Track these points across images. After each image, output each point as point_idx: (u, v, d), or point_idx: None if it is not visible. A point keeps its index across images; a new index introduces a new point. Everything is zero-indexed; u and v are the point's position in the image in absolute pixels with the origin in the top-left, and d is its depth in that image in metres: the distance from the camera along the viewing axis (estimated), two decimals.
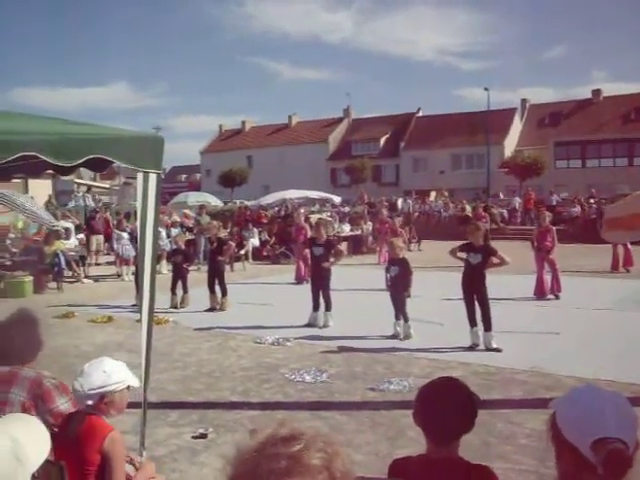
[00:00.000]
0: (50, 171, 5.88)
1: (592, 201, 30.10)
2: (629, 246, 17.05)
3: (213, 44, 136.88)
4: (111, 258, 21.57)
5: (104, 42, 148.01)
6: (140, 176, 4.44)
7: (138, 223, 4.56)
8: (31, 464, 1.33)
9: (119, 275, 18.30)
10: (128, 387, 3.28)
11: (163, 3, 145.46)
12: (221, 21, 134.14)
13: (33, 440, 1.40)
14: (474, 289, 8.92)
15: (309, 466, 1.15)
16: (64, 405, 3.51)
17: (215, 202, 28.79)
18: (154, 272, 4.71)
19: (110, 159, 4.14)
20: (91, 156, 3.96)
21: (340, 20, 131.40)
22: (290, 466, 1.14)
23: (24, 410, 3.50)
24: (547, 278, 13.19)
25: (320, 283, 11.01)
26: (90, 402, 3.13)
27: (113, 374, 3.17)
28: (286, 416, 6.38)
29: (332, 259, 11.13)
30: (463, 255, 9.13)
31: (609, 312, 11.55)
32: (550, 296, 13.05)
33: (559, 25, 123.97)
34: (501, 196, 38.41)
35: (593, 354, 8.56)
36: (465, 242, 9.23)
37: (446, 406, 2.41)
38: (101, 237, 22.26)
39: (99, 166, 4.74)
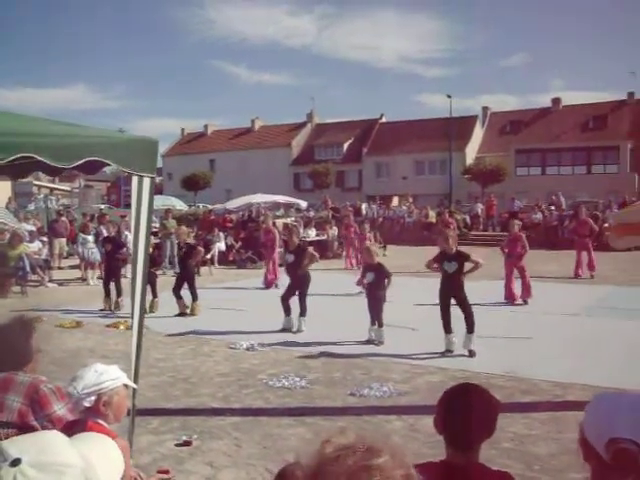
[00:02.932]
0: (36, 172, 5.81)
1: (553, 208, 30.63)
2: (592, 254, 17.43)
3: (175, 47, 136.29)
4: (73, 262, 21.24)
5: (64, 43, 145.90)
6: (135, 180, 4.39)
7: (132, 227, 4.51)
8: None
9: (84, 279, 18.00)
10: (126, 387, 3.22)
11: (124, 5, 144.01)
12: (184, 24, 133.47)
13: (106, 461, 1.37)
14: (452, 294, 8.99)
15: (396, 477, 1.16)
16: (61, 410, 3.44)
17: (181, 206, 28.56)
18: (146, 276, 4.65)
19: (107, 162, 4.09)
20: (89, 158, 3.91)
21: (302, 25, 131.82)
22: (382, 478, 1.14)
23: (21, 416, 3.42)
24: (516, 284, 13.40)
25: (297, 289, 10.98)
26: (87, 404, 3.06)
27: (105, 373, 3.10)
28: (270, 422, 6.35)
29: (306, 262, 11.08)
30: (439, 266, 9.21)
31: (577, 317, 11.76)
32: (519, 301, 13.24)
33: (519, 34, 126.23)
34: (463, 202, 38.92)
35: (566, 359, 8.70)
36: (439, 252, 9.30)
37: (467, 411, 2.42)
38: (64, 240, 21.89)
39: (91, 169, 4.68)
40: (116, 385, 3.12)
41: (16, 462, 1.20)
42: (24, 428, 3.32)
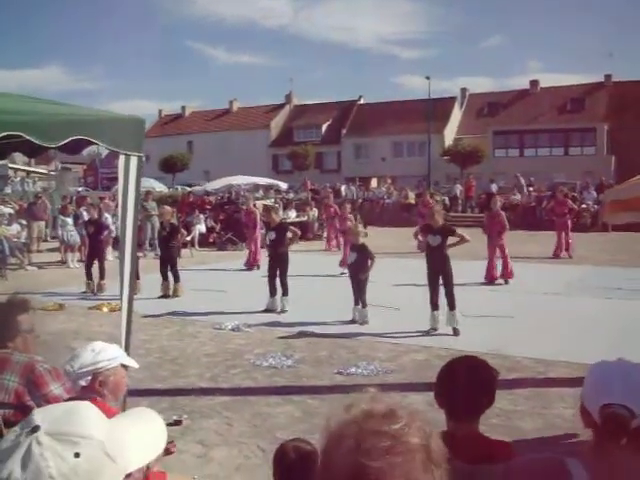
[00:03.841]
0: (11, 154, 5.74)
1: (531, 189, 30.85)
2: (570, 234, 17.66)
3: (151, 28, 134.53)
4: (52, 245, 21.05)
5: (39, 24, 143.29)
6: (121, 159, 4.37)
7: (119, 207, 4.49)
8: (128, 462, 1.28)
9: (63, 262, 17.87)
10: (125, 368, 3.20)
11: None
12: (161, 3, 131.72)
13: (143, 437, 1.36)
14: (439, 270, 9.05)
15: (409, 444, 1.14)
16: (57, 390, 3.43)
17: (160, 187, 28.36)
18: (135, 256, 4.64)
19: (94, 141, 4.06)
20: (75, 137, 3.88)
21: (278, 6, 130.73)
22: (392, 445, 1.12)
23: (17, 396, 3.41)
24: (497, 263, 13.54)
25: (277, 268, 10.99)
26: (83, 383, 3.03)
27: (102, 352, 3.05)
28: (259, 401, 6.39)
29: (289, 237, 11.15)
30: (424, 238, 9.28)
31: (557, 297, 11.92)
32: (500, 281, 13.39)
33: (496, 16, 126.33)
34: (442, 184, 39.10)
35: (548, 337, 8.82)
36: (425, 224, 9.39)
37: (466, 383, 2.47)
38: (42, 223, 21.68)
39: (75, 148, 4.64)
40: (112, 365, 3.08)
41: (35, 429, 1.19)
42: (21, 408, 3.32)
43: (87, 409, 1.29)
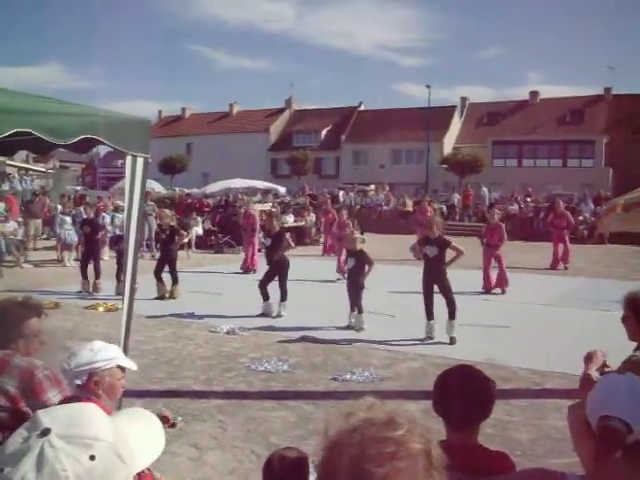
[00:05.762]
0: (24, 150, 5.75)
1: (529, 200, 30.90)
2: (568, 245, 17.70)
3: (153, 29, 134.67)
4: (49, 243, 21.02)
5: (38, 21, 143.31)
6: (128, 159, 4.37)
7: (125, 206, 4.49)
8: (137, 463, 1.29)
9: (60, 260, 17.83)
10: (123, 370, 3.18)
11: None
12: (163, 6, 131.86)
13: (143, 438, 1.35)
14: (434, 281, 9.07)
15: (412, 450, 1.15)
16: (55, 397, 3.39)
17: (159, 189, 28.34)
18: (137, 257, 4.64)
19: (102, 140, 4.06)
20: (84, 136, 3.88)
21: (281, 10, 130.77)
22: (396, 450, 1.14)
23: (12, 401, 3.35)
24: (493, 273, 13.54)
25: (276, 274, 10.98)
26: (79, 382, 3.01)
27: (100, 352, 3.02)
28: (253, 405, 6.38)
29: (281, 247, 11.15)
30: (421, 249, 9.31)
31: (552, 307, 11.94)
32: (496, 291, 13.40)
33: (496, 26, 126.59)
34: (440, 192, 39.16)
35: (543, 347, 8.83)
36: (424, 237, 9.42)
37: (465, 392, 2.46)
38: (39, 221, 21.64)
39: (82, 147, 4.65)
40: (109, 366, 3.06)
41: (45, 432, 1.19)
42: (16, 413, 3.28)
43: (93, 410, 1.29)
